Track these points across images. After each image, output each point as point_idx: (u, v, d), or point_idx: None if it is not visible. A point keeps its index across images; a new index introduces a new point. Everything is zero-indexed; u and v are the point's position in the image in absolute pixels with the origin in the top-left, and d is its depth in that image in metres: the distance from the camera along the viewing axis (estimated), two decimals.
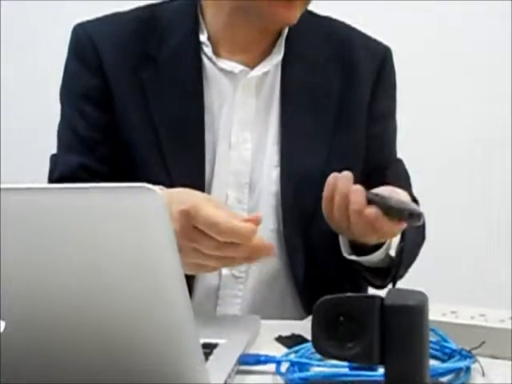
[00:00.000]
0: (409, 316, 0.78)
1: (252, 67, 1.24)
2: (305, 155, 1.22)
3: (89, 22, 1.27)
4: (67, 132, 1.26)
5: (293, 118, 1.24)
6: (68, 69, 1.28)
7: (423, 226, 1.28)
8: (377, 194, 1.05)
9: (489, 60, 2.28)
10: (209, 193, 1.20)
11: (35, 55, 2.31)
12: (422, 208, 1.03)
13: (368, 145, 1.28)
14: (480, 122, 2.28)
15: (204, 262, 0.98)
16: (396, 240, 1.15)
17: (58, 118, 1.28)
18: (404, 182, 1.31)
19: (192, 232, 0.95)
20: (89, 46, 1.24)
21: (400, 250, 1.15)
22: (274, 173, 1.23)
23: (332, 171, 1.13)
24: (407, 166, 1.35)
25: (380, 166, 1.30)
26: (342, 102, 1.26)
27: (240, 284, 1.23)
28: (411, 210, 1.01)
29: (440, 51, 2.29)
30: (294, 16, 1.18)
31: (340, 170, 1.15)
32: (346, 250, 1.17)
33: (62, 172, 1.23)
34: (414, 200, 1.26)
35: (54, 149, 1.28)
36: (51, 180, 1.25)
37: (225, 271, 1.22)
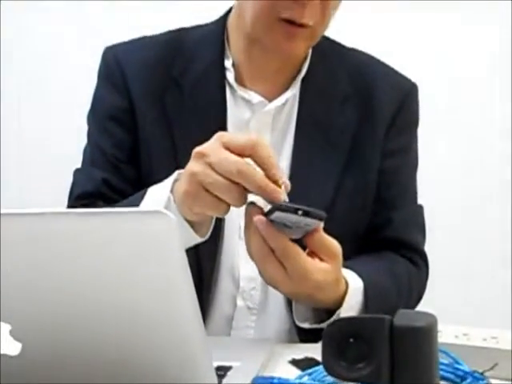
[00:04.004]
0: (417, 337, 0.79)
1: (271, 99, 1.24)
2: (311, 193, 1.19)
3: (118, 45, 1.30)
4: (92, 150, 1.29)
5: (304, 155, 1.23)
6: (97, 92, 1.31)
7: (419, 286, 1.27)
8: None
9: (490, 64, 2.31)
10: (222, 223, 1.21)
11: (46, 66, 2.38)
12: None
13: (377, 180, 1.26)
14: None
15: (213, 180, 0.96)
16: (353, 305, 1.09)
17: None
18: (412, 229, 1.29)
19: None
20: (117, 71, 1.26)
21: None
22: None
23: (337, 211, 1.13)
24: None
25: (387, 204, 1.27)
26: (356, 140, 1.25)
27: (253, 315, 1.23)
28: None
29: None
30: (297, 48, 1.17)
31: (345, 211, 1.14)
32: (298, 317, 1.12)
33: (84, 187, 1.25)
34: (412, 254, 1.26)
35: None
36: (73, 194, 1.27)
37: (239, 302, 1.23)
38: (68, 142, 2.13)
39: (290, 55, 1.21)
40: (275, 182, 0.97)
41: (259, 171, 0.97)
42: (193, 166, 0.99)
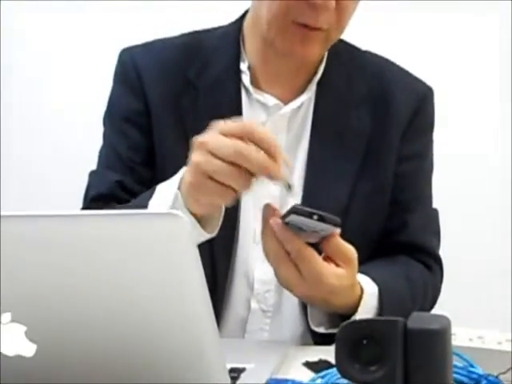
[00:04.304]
0: (431, 340, 0.78)
1: (286, 102, 1.24)
2: (325, 197, 1.20)
3: (135, 47, 1.30)
4: (108, 151, 1.29)
5: (319, 157, 1.23)
6: (113, 94, 1.31)
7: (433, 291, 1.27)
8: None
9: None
10: (237, 226, 1.21)
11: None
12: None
13: (393, 184, 1.26)
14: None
15: (216, 166, 0.97)
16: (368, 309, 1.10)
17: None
18: (427, 233, 1.29)
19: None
20: (133, 72, 1.26)
21: None
22: None
23: (351, 214, 1.13)
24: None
25: (402, 208, 1.27)
26: (372, 144, 1.25)
27: (267, 318, 1.23)
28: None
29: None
30: (311, 51, 1.17)
31: (360, 214, 1.14)
32: (312, 321, 1.13)
33: (99, 189, 1.25)
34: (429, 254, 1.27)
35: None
36: (88, 196, 1.27)
37: (254, 305, 1.22)
38: (67, 143, 2.13)
39: (303, 59, 1.20)
40: (275, 159, 0.98)
41: (258, 150, 0.97)
42: (195, 156, 1.00)
